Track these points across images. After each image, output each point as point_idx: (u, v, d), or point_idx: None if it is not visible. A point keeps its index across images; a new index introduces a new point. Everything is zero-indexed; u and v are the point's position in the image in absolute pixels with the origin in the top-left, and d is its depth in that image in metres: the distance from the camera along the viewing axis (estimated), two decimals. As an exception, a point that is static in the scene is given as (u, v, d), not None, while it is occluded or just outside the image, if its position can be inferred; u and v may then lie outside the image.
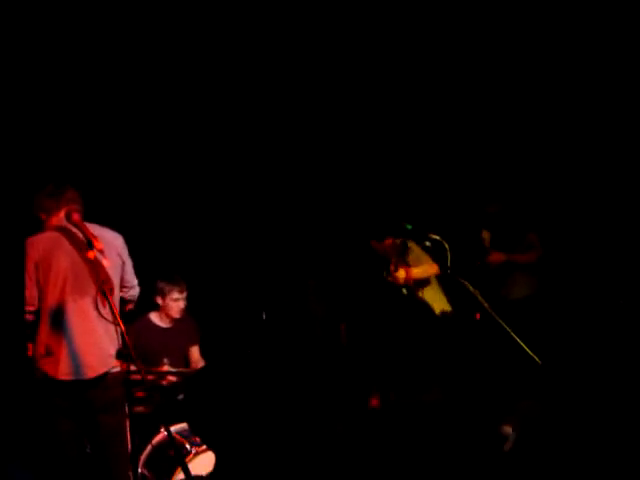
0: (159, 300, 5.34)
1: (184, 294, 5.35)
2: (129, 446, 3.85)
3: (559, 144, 6.18)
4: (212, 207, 6.42)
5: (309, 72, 6.11)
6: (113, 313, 3.52)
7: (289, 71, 6.08)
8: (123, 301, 4.06)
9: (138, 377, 4.41)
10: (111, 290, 3.74)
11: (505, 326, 3.81)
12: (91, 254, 3.63)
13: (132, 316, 5.11)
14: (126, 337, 3.57)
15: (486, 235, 6.07)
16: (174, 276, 5.37)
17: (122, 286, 4.01)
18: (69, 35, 5.27)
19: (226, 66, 5.97)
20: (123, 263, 4.00)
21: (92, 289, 3.78)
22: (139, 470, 4.45)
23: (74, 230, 3.80)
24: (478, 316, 4.61)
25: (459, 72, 6.09)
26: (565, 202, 6.23)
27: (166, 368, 4.97)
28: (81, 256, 3.80)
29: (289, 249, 6.52)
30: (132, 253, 4.14)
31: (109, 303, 3.56)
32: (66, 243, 3.82)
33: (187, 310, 5.47)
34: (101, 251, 3.64)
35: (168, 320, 5.39)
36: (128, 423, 3.84)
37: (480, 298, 4.17)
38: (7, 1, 4.83)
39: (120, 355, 3.65)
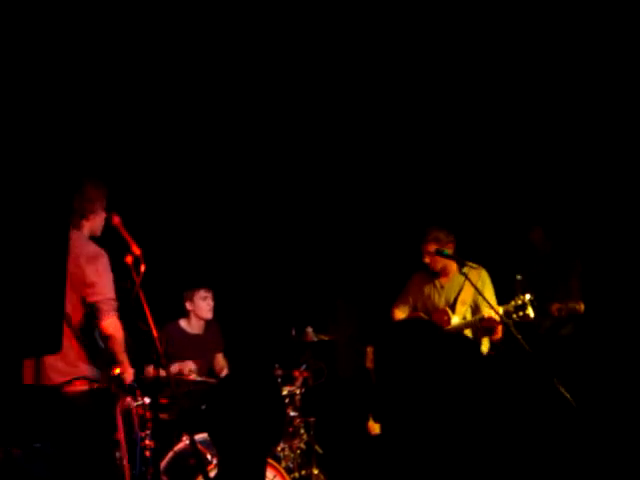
0: (189, 305, 5.40)
1: (210, 293, 5.42)
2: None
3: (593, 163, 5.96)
4: (241, 220, 6.43)
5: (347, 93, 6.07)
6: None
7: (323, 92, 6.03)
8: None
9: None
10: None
11: (544, 366, 3.74)
12: None
13: (162, 322, 5.18)
14: (157, 343, 3.60)
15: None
16: (197, 281, 5.48)
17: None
18: (70, 36, 5.23)
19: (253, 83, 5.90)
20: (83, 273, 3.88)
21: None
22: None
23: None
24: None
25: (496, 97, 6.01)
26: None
27: (193, 377, 4.98)
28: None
29: (319, 268, 6.51)
30: (158, 267, 4.15)
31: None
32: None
33: (214, 317, 5.53)
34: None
35: (197, 326, 5.44)
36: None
37: (517, 335, 4.03)
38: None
39: (151, 361, 3.67)
